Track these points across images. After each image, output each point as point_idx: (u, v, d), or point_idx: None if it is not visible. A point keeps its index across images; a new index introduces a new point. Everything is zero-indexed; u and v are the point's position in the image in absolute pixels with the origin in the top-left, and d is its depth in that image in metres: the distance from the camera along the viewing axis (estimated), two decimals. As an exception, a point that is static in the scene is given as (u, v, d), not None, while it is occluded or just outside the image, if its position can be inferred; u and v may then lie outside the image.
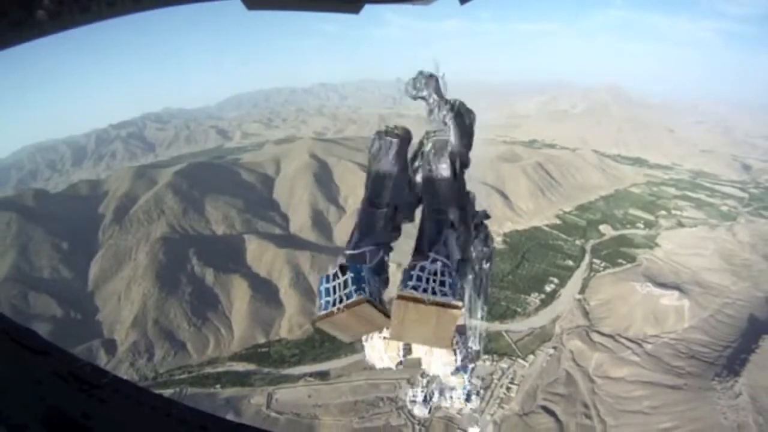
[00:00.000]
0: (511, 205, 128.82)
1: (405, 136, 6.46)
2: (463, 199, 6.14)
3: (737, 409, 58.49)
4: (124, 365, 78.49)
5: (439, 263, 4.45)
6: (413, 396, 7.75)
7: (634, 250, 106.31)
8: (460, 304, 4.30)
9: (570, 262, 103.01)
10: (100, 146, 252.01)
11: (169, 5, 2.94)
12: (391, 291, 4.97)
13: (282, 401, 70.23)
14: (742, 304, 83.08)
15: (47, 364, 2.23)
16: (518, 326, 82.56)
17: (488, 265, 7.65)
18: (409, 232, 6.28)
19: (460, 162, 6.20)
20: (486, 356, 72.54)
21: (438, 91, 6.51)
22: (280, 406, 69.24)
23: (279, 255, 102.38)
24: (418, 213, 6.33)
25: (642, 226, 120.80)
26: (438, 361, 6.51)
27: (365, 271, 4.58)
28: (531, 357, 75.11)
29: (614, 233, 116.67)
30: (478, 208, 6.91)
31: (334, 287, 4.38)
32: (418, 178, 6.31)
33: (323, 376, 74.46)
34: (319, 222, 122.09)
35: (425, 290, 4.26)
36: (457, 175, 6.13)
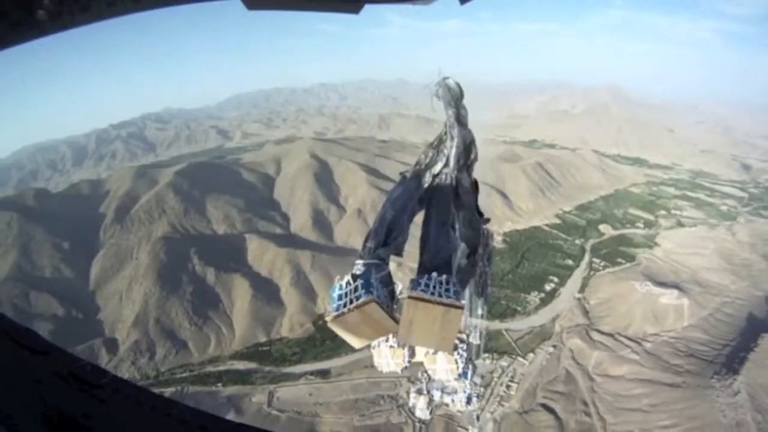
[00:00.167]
0: (511, 205, 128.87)
1: (420, 177, 7.04)
2: (474, 221, 6.70)
3: (736, 407, 58.59)
4: (125, 364, 78.65)
5: (444, 276, 4.97)
6: (415, 398, 7.90)
7: (634, 250, 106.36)
8: (463, 303, 4.81)
9: (570, 262, 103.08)
10: (101, 146, 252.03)
11: (169, 5, 2.93)
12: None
13: (283, 399, 70.37)
14: (741, 303, 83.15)
15: (47, 364, 2.23)
16: (518, 325, 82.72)
17: (488, 265, 7.68)
18: (412, 232, 6.53)
19: (468, 173, 6.84)
20: (486, 354, 72.71)
21: (447, 102, 6.88)
22: (281, 405, 69.38)
23: (280, 254, 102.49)
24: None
25: (642, 225, 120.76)
26: (441, 368, 6.76)
27: (374, 278, 5.13)
28: (531, 355, 75.23)
29: (614, 233, 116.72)
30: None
31: (346, 293, 4.92)
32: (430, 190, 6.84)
33: (324, 374, 74.61)
34: (320, 222, 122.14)
35: (432, 294, 4.76)
36: (467, 189, 6.72)
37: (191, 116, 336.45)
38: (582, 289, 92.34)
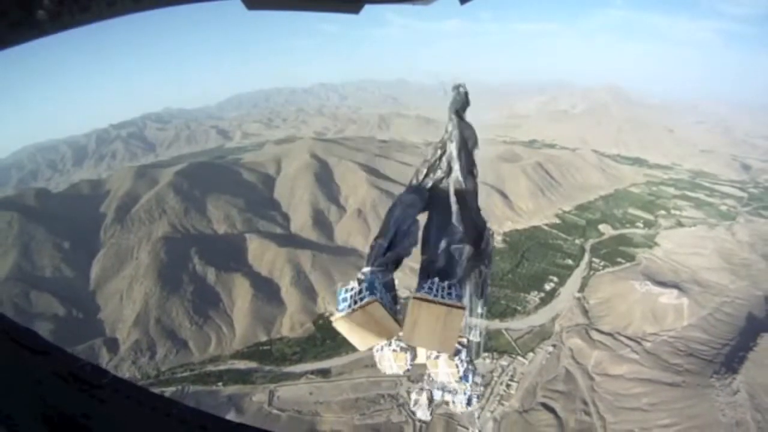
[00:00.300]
0: (511, 205, 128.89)
1: (424, 181, 7.55)
2: (477, 222, 6.98)
3: (735, 406, 58.64)
4: (126, 364, 78.69)
5: (446, 282, 5.26)
6: (416, 399, 8.00)
7: (634, 249, 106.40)
8: (464, 304, 5.10)
9: (569, 261, 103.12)
10: (101, 146, 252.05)
11: (169, 5, 2.93)
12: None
13: (283, 399, 70.44)
14: (740, 302, 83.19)
15: (47, 364, 2.23)
16: (518, 324, 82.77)
17: (488, 265, 7.71)
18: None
19: (471, 175, 7.20)
20: (486, 354, 72.78)
21: (456, 105, 7.41)
22: (281, 404, 69.45)
23: (280, 254, 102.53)
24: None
25: (641, 225, 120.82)
26: (442, 371, 6.90)
27: (378, 282, 5.40)
28: (531, 355, 75.29)
29: (614, 232, 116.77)
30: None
31: (351, 295, 5.19)
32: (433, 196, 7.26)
33: (324, 373, 74.65)
34: (320, 221, 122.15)
35: (435, 295, 5.04)
36: (470, 191, 7.05)
37: (191, 116, 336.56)
38: (582, 289, 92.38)
